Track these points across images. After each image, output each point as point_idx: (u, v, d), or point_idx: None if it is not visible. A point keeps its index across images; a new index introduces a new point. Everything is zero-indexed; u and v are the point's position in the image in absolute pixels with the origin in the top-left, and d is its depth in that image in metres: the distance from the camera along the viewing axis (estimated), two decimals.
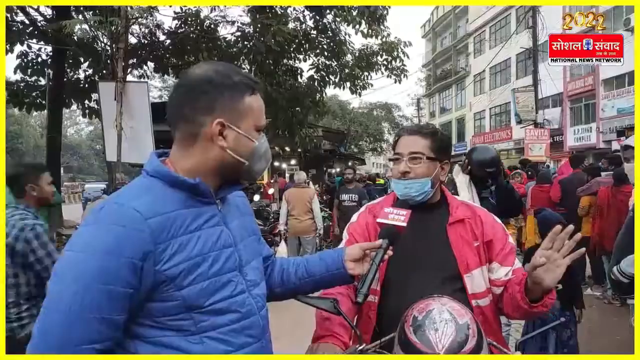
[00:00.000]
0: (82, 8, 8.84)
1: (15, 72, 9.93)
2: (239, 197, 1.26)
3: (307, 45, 10.47)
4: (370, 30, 9.70)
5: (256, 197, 11.07)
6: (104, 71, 8.32)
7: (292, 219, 6.72)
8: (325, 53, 10.75)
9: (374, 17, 9.60)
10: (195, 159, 1.07)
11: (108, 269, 0.91)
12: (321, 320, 1.43)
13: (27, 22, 9.40)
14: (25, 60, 9.82)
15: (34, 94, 10.25)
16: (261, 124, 1.12)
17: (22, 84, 10.17)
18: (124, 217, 0.95)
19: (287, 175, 19.03)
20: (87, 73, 10.62)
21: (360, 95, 11.73)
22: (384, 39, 10.28)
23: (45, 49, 9.91)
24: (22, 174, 2.54)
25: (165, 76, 11.85)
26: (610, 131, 20.20)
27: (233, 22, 9.99)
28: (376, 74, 11.09)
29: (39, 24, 9.47)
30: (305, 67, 11.17)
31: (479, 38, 32.51)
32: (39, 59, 9.97)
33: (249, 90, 1.09)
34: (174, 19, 9.62)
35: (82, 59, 9.96)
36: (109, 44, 7.27)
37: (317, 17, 10.22)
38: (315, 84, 11.07)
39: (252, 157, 1.10)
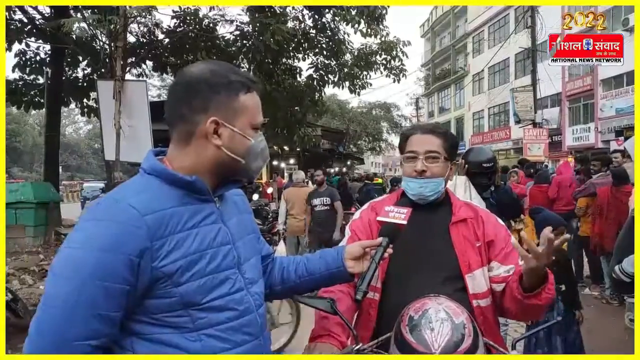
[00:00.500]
0: (80, 7, 8.82)
1: (13, 71, 9.92)
2: (238, 195, 1.27)
3: (306, 44, 10.47)
4: (369, 30, 9.70)
5: (255, 197, 11.09)
6: (103, 70, 8.29)
7: (291, 218, 6.73)
8: (324, 52, 10.75)
9: (373, 17, 9.59)
10: (191, 158, 1.07)
11: (105, 265, 0.91)
12: (319, 319, 1.43)
13: (25, 20, 9.38)
14: (23, 58, 9.80)
15: (32, 92, 10.23)
16: (257, 122, 1.12)
17: (20, 83, 10.14)
18: (121, 213, 0.95)
19: (286, 174, 19.05)
20: (85, 72, 10.60)
21: (359, 94, 11.74)
22: (383, 39, 10.28)
23: (43, 47, 9.91)
24: None
25: (164, 75, 11.85)
26: (609, 131, 20.25)
27: (232, 21, 9.99)
28: (375, 73, 11.09)
29: (38, 23, 9.45)
30: (304, 66, 11.20)
31: (478, 38, 32.53)
32: (38, 58, 9.95)
33: (244, 89, 1.09)
34: (172, 17, 9.61)
35: (80, 58, 9.93)
36: (107, 42, 7.25)
37: (316, 16, 10.21)
38: (314, 83, 11.07)
39: (248, 155, 1.10)
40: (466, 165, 3.22)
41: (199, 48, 9.38)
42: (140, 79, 10.21)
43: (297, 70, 11.17)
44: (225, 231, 1.10)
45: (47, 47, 9.74)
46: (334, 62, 10.89)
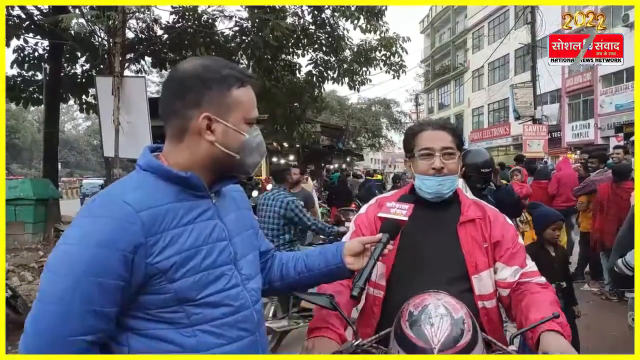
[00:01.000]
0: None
1: (12, 67, 9.87)
2: (237, 191, 1.26)
3: (305, 40, 10.42)
4: (368, 26, 9.66)
5: (254, 193, 11.06)
6: (101, 66, 8.25)
7: None
8: (324, 48, 10.70)
9: (373, 13, 9.57)
10: (186, 154, 1.07)
11: (99, 261, 0.91)
12: (318, 310, 1.42)
13: (23, 16, 9.32)
14: (22, 54, 9.74)
15: (30, 88, 10.18)
16: (251, 117, 1.11)
17: (19, 79, 10.10)
18: (116, 209, 0.95)
19: None
20: (84, 68, 10.54)
21: (358, 90, 11.70)
22: (382, 35, 10.23)
23: (42, 43, 9.84)
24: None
25: (163, 71, 11.75)
26: (609, 127, 20.26)
27: (231, 17, 9.93)
28: (374, 69, 11.03)
29: (36, 18, 9.41)
30: (304, 63, 11.13)
31: (478, 34, 32.50)
32: (36, 54, 9.90)
33: (237, 83, 1.07)
34: (171, 13, 9.56)
35: (79, 54, 9.88)
36: (106, 38, 7.22)
37: (316, 12, 10.17)
38: (314, 79, 11.02)
39: (242, 150, 1.10)
40: (463, 168, 3.21)
41: (197, 44, 9.34)
42: (139, 75, 10.17)
43: (297, 67, 11.12)
44: (221, 227, 1.09)
45: (46, 43, 9.69)
46: (334, 58, 10.84)
